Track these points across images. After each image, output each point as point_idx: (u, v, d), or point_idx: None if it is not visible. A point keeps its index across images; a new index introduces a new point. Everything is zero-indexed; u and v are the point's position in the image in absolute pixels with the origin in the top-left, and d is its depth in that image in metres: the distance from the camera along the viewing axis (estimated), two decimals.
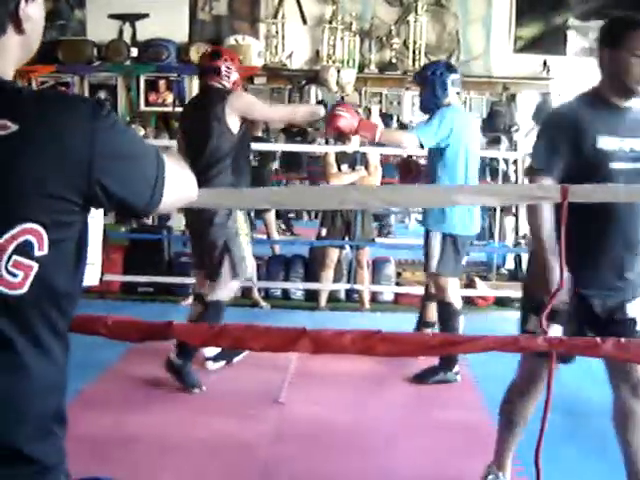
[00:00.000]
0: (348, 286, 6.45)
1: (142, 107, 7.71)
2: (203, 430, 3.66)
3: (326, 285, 6.26)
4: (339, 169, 6.07)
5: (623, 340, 2.10)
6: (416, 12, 7.76)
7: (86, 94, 7.32)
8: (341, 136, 5.73)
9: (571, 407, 3.85)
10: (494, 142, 7.49)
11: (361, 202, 2.44)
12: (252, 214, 6.34)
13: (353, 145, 5.86)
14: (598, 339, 2.07)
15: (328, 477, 3.26)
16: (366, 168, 6.06)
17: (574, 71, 7.83)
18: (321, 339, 2.09)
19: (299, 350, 2.06)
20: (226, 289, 4.25)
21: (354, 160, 6.09)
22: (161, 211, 1.34)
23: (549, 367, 2.12)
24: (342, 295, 6.73)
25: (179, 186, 1.35)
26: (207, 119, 4.10)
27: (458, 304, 4.51)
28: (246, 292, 6.25)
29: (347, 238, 6.16)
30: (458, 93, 4.53)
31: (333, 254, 6.25)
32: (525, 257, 6.98)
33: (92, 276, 4.81)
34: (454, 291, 4.49)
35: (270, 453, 3.45)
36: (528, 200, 2.47)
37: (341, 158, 6.04)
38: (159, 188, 1.26)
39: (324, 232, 6.32)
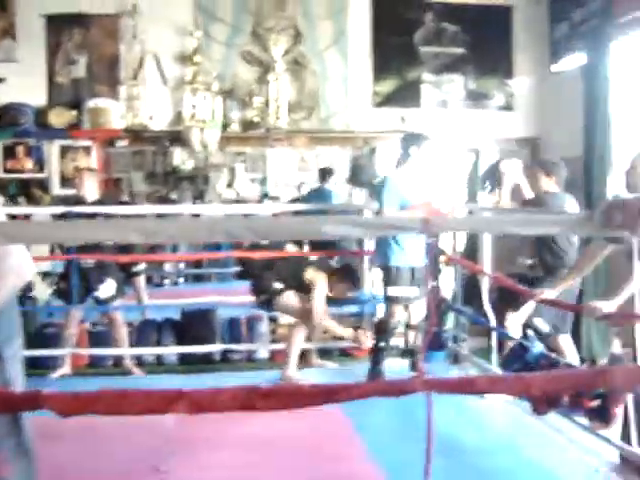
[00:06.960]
0: (223, 347, 6.40)
1: (1, 174, 7.46)
2: None
3: (201, 347, 6.19)
4: None
5: (494, 376, 2.19)
6: (275, 71, 7.91)
7: None
8: None
9: (447, 447, 3.90)
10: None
11: (231, 233, 2.35)
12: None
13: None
14: (471, 376, 2.14)
15: None
16: None
17: (429, 122, 8.16)
18: (200, 399, 2.05)
19: (179, 411, 2.02)
20: None
21: None
22: None
23: (428, 408, 2.14)
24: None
25: None
26: None
27: None
28: (117, 361, 6.08)
29: None
30: None
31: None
32: None
33: None
34: None
35: None
36: (392, 230, 2.56)
37: None
38: None
39: None
